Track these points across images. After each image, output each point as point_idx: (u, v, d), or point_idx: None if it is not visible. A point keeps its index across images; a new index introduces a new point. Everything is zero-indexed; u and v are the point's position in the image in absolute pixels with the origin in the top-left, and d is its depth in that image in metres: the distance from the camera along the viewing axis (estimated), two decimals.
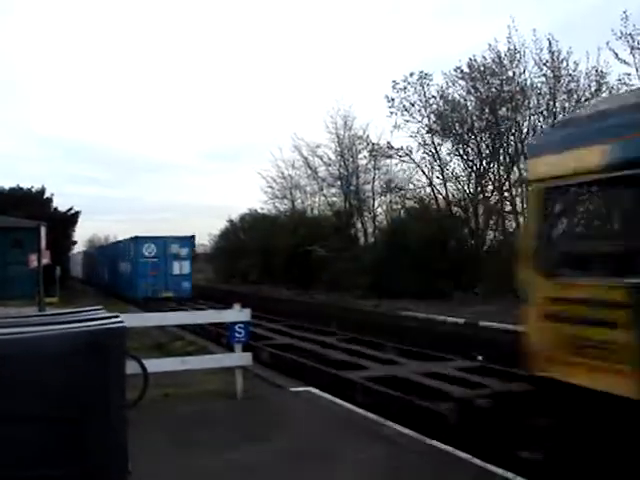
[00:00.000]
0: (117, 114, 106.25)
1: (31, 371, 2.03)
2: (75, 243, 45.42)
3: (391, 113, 27.64)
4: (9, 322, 2.52)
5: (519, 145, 25.69)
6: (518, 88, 25.30)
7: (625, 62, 21.89)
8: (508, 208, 26.56)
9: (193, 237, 31.53)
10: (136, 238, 28.83)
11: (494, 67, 25.73)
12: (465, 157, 27.45)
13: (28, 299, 19.10)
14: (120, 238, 38.90)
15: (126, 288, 30.30)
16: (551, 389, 5.25)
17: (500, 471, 5.40)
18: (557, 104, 24.82)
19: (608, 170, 4.79)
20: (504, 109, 25.72)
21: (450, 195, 28.33)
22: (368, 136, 30.58)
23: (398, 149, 28.54)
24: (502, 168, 26.67)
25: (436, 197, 28.57)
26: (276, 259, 33.76)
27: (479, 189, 27.33)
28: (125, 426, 2.33)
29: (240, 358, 8.36)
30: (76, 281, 47.64)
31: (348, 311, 21.78)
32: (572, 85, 24.59)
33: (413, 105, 27.42)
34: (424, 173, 28.76)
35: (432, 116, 27.64)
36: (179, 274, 28.46)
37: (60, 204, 36.33)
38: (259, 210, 40.96)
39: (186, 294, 28.69)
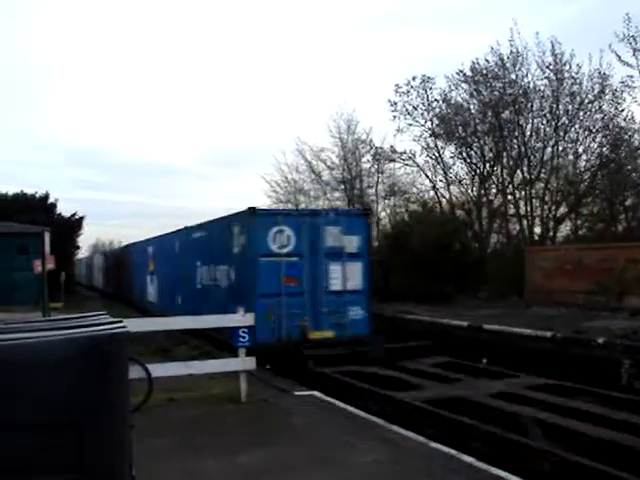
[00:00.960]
0: (121, 119, 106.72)
1: (33, 377, 2.04)
2: (78, 248, 45.33)
3: (394, 117, 27.63)
4: (11, 328, 2.53)
5: (522, 148, 25.71)
6: (521, 91, 25.31)
7: (628, 64, 21.99)
8: (512, 211, 26.56)
9: (369, 212, 16.66)
10: (254, 213, 12.98)
11: (497, 70, 25.72)
12: (468, 160, 27.46)
13: (33, 305, 19.16)
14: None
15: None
16: None
17: (504, 474, 5.40)
18: (560, 107, 24.88)
19: None
20: (507, 112, 25.71)
21: (454, 198, 28.32)
22: (371, 140, 30.50)
23: (401, 153, 28.52)
24: (505, 171, 26.67)
25: (439, 200, 28.57)
26: None
27: (482, 192, 27.31)
28: (129, 431, 2.34)
29: (244, 362, 8.38)
30: (82, 287, 47.68)
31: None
32: (575, 88, 24.66)
33: (416, 109, 27.41)
34: (427, 177, 28.74)
35: (435, 119, 27.64)
36: (343, 290, 13.18)
37: (64, 209, 36.43)
38: None
39: (361, 333, 13.07)
